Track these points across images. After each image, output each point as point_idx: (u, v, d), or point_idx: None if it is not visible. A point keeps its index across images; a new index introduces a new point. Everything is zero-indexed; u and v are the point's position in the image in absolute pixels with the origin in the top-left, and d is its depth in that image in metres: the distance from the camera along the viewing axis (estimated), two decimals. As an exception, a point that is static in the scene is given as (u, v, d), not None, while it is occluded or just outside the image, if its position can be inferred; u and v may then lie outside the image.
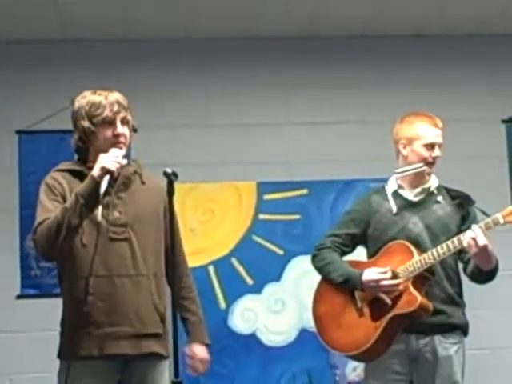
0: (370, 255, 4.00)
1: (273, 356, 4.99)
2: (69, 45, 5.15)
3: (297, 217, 5.15)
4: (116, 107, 3.21)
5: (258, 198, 5.15)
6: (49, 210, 3.12)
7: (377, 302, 3.85)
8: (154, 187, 3.28)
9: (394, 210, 3.91)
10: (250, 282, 5.06)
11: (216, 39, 5.25)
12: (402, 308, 3.74)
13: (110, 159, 3.07)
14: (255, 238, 5.12)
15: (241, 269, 5.06)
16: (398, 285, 3.76)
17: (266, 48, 5.29)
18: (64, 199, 3.16)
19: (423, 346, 3.79)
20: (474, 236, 3.59)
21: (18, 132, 5.09)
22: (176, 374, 2.92)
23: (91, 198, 3.05)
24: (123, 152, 3.17)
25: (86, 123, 3.21)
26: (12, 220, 5.02)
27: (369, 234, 3.97)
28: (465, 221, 3.92)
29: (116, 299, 3.16)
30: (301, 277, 4.96)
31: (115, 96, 3.24)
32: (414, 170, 3.89)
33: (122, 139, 3.22)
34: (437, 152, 3.92)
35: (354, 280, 3.84)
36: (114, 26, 5.02)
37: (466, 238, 3.64)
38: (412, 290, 3.74)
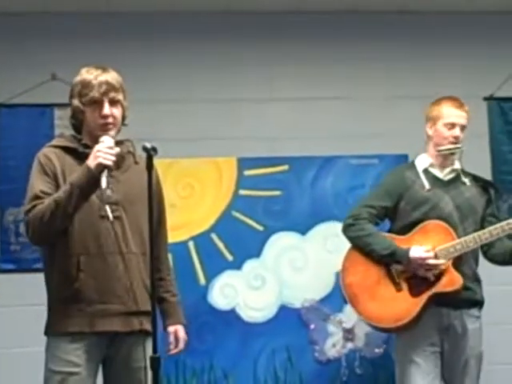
0: (397, 229, 4.09)
1: (252, 332, 4.99)
2: (51, 17, 5.08)
3: (277, 193, 5.14)
4: (104, 88, 3.22)
5: (238, 173, 5.13)
6: (40, 190, 3.13)
7: (414, 278, 3.96)
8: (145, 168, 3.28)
9: (427, 186, 4.03)
10: (229, 257, 5.05)
11: (199, 13, 5.19)
12: (444, 287, 3.91)
13: (105, 152, 3.06)
14: (235, 213, 5.10)
15: (221, 245, 5.05)
16: (441, 264, 3.91)
17: (250, 22, 5.24)
18: (56, 179, 3.17)
19: (454, 319, 3.94)
20: None
21: (-3, 105, 5.04)
22: (155, 350, 2.95)
23: (87, 190, 3.07)
24: (112, 140, 3.15)
25: (76, 101, 3.25)
26: (-10, 194, 4.98)
27: (400, 208, 4.08)
28: (489, 204, 4.11)
29: (108, 276, 3.17)
30: (281, 253, 4.96)
31: (106, 76, 3.25)
32: (455, 150, 4.04)
33: (109, 120, 3.23)
34: (456, 132, 4.03)
35: (401, 255, 3.93)
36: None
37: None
38: (453, 270, 3.91)
